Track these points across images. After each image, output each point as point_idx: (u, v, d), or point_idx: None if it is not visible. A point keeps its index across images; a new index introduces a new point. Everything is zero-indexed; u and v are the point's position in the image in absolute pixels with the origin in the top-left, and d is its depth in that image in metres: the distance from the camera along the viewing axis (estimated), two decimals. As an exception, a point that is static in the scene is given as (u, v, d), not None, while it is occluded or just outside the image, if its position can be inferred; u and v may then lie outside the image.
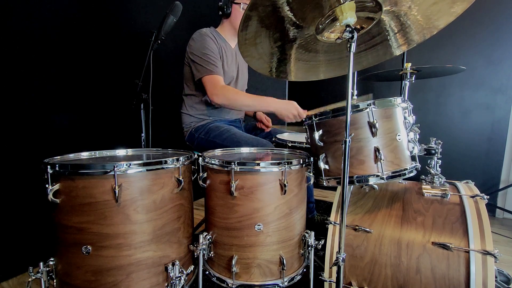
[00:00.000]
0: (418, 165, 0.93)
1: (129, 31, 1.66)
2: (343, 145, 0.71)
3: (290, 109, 1.33)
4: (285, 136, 1.45)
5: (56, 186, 0.77)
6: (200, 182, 0.99)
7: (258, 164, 0.88)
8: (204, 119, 1.54)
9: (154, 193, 0.83)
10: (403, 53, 1.72)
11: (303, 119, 1.04)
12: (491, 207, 2.06)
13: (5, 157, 1.20)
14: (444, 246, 0.80)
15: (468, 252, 0.78)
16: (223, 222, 0.93)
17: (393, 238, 0.87)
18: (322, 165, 0.94)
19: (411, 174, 0.90)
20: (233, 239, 0.92)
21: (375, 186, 1.09)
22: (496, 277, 0.89)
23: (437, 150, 1.07)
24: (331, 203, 1.08)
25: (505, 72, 1.98)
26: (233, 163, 0.87)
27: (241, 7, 1.45)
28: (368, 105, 0.86)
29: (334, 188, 2.61)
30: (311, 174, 0.99)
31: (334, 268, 0.86)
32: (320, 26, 0.81)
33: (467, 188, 0.97)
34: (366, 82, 2.52)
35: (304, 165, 0.96)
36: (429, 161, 1.07)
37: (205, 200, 1.03)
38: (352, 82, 0.71)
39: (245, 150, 1.25)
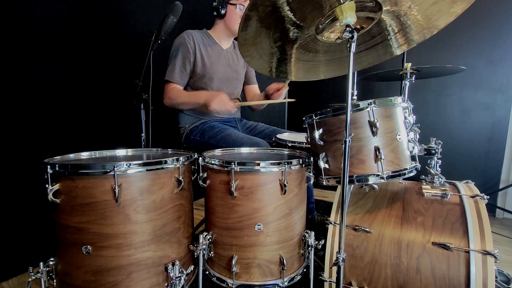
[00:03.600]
0: (418, 165, 0.93)
1: (129, 31, 1.66)
2: (343, 145, 0.72)
3: (218, 97, 1.33)
4: (285, 136, 1.45)
5: (56, 186, 0.77)
6: (200, 182, 0.99)
7: (258, 164, 0.88)
8: (200, 119, 1.55)
9: (154, 193, 0.83)
10: (403, 53, 1.73)
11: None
12: (491, 207, 2.06)
13: (5, 157, 1.20)
14: (444, 246, 0.80)
15: (468, 252, 0.78)
16: (223, 222, 0.93)
17: (393, 238, 0.87)
18: (322, 164, 0.94)
19: (411, 174, 0.90)
20: (233, 239, 0.92)
21: (375, 186, 1.09)
22: (496, 277, 0.89)
23: (437, 150, 1.07)
24: (331, 203, 1.08)
25: (505, 72, 1.98)
26: (233, 163, 0.87)
27: (237, 8, 1.46)
28: (368, 104, 0.86)
29: (334, 188, 2.61)
30: (311, 174, 0.99)
31: (334, 268, 0.86)
32: (320, 26, 0.81)
33: (467, 188, 0.97)
34: (366, 82, 2.52)
35: (304, 165, 0.96)
36: (429, 161, 1.07)
37: (205, 200, 1.03)
38: (352, 82, 0.71)
39: (245, 150, 1.25)
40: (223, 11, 1.47)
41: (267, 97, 1.59)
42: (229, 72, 1.58)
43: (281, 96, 1.56)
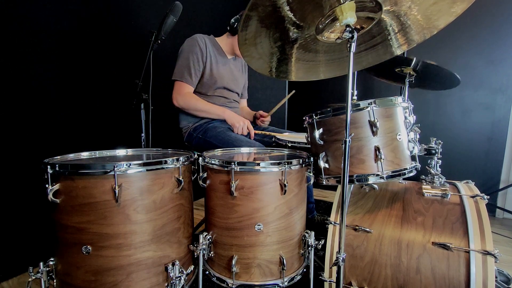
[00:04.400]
0: (418, 165, 0.93)
1: (129, 31, 1.66)
2: (343, 145, 0.71)
3: (239, 119, 1.48)
4: (285, 136, 1.45)
5: (56, 186, 0.76)
6: (200, 182, 0.99)
7: (258, 164, 0.88)
8: (202, 118, 1.55)
9: (154, 193, 0.83)
10: (403, 53, 1.72)
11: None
12: (491, 207, 2.06)
13: (5, 157, 1.20)
14: (444, 246, 0.80)
15: (468, 252, 0.78)
16: (223, 222, 0.93)
17: (393, 238, 0.87)
18: (322, 164, 0.94)
19: (411, 174, 0.90)
20: (233, 239, 0.92)
21: (375, 186, 1.09)
22: (496, 277, 0.89)
23: (437, 150, 1.07)
24: (331, 203, 1.08)
25: (505, 72, 1.98)
26: (233, 163, 0.87)
27: None
28: (369, 104, 0.86)
29: (334, 188, 2.61)
30: (311, 174, 0.99)
31: (334, 268, 0.86)
32: (320, 26, 0.81)
33: (467, 188, 0.97)
34: (366, 82, 2.52)
35: (304, 165, 0.96)
36: (429, 161, 1.07)
37: (205, 200, 1.03)
38: (352, 82, 0.71)
39: (245, 150, 1.25)
40: (236, 30, 1.52)
41: (255, 119, 1.78)
42: (230, 81, 1.63)
43: (264, 123, 1.75)
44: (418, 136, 0.96)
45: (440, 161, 1.06)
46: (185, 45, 1.48)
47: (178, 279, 0.85)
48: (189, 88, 1.47)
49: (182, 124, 1.59)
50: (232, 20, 1.52)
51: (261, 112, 1.74)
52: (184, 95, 1.46)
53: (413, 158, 0.94)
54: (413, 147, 0.93)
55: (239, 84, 1.71)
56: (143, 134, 1.36)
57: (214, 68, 1.52)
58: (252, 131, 1.50)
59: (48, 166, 0.76)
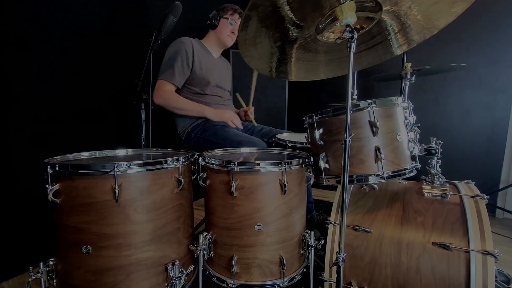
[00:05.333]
0: (418, 165, 0.93)
1: (129, 31, 1.66)
2: (343, 145, 0.71)
3: (221, 113, 1.51)
4: (285, 136, 1.45)
5: (56, 186, 0.76)
6: (200, 182, 0.99)
7: (258, 164, 0.88)
8: (199, 118, 1.56)
9: (154, 193, 0.83)
10: (403, 53, 1.73)
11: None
12: (491, 207, 2.06)
13: (5, 157, 1.20)
14: (444, 246, 0.80)
15: (468, 252, 0.78)
16: (223, 222, 0.93)
17: (393, 238, 0.87)
18: (322, 164, 0.94)
19: (411, 174, 0.90)
20: (233, 239, 0.92)
21: (375, 186, 1.09)
22: (496, 277, 0.89)
23: (437, 150, 1.07)
24: (331, 203, 1.07)
25: (505, 72, 1.98)
26: (233, 163, 0.87)
27: (228, 21, 1.59)
28: (369, 104, 0.86)
29: (334, 188, 2.61)
30: (311, 174, 0.99)
31: (334, 268, 0.86)
32: (320, 26, 0.81)
33: (467, 188, 0.97)
34: (366, 82, 2.52)
35: (304, 165, 0.96)
36: (429, 161, 1.07)
37: (205, 200, 1.03)
38: (352, 82, 0.71)
39: (245, 150, 1.25)
40: (216, 23, 1.58)
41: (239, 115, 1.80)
42: (220, 79, 1.66)
43: (248, 115, 1.78)
44: (418, 136, 0.96)
45: (440, 161, 1.06)
46: (171, 47, 1.50)
47: (178, 279, 0.85)
48: (170, 86, 1.47)
49: (180, 127, 1.59)
50: (210, 15, 1.57)
51: (243, 108, 1.77)
52: (164, 92, 1.45)
53: (413, 158, 0.94)
54: (413, 147, 0.93)
55: (228, 82, 1.75)
56: (143, 134, 1.36)
57: (204, 67, 1.54)
58: (238, 120, 1.55)
59: (48, 166, 0.76)
